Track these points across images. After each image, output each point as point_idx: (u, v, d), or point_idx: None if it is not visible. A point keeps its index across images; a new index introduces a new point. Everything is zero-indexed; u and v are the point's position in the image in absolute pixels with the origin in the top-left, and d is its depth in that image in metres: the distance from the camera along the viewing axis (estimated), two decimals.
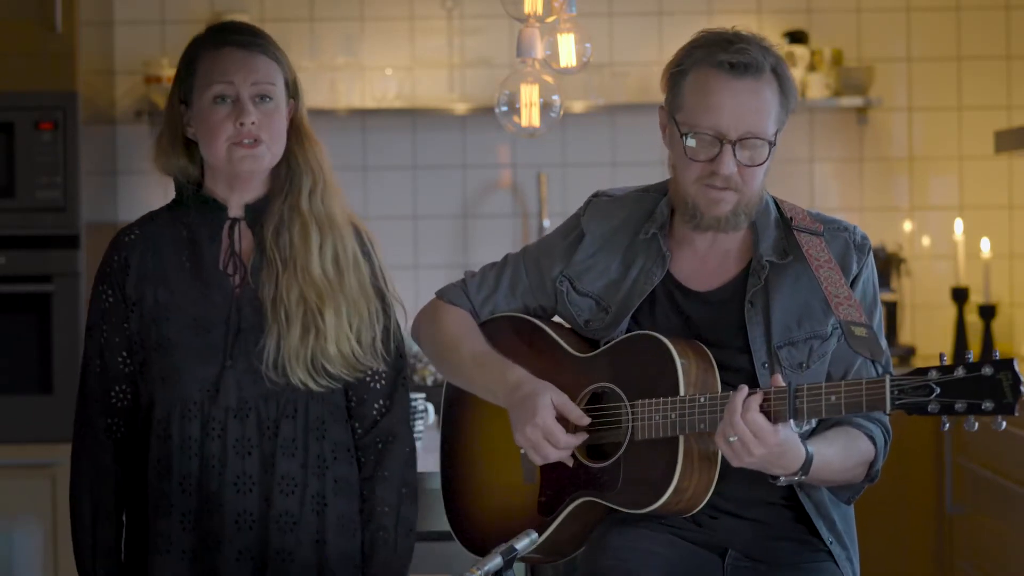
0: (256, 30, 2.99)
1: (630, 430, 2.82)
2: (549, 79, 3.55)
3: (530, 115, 3.53)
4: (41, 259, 5.11)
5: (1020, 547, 4.62)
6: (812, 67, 5.64)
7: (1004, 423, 2.53)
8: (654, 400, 2.78)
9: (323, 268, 2.93)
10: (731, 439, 2.66)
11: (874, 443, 2.83)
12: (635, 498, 2.80)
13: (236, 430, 2.91)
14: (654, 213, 2.95)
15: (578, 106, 5.47)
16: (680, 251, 2.92)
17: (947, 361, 2.56)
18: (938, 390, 2.54)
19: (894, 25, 5.75)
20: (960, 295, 5.54)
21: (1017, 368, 2.50)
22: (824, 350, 2.84)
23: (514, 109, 3.53)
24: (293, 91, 2.97)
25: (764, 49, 2.82)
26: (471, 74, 5.73)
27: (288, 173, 2.96)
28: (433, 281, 5.53)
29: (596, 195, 3.05)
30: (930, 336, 5.68)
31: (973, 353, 2.56)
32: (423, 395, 3.85)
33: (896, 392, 2.57)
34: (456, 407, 3.13)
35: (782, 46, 5.66)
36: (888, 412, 2.60)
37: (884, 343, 2.87)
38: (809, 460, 2.70)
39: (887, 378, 2.58)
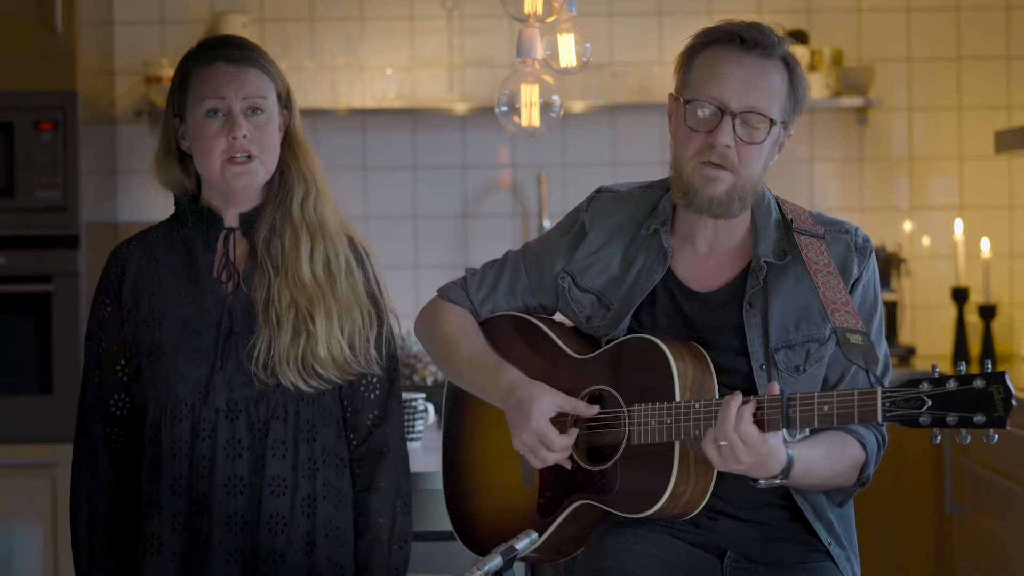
0: (247, 43, 3.02)
1: (627, 434, 2.82)
2: (549, 79, 3.55)
3: (530, 115, 3.53)
4: (41, 259, 5.11)
5: (1020, 547, 4.62)
6: (812, 67, 5.63)
7: (996, 436, 2.53)
8: (650, 405, 2.78)
9: (313, 273, 2.96)
10: (721, 443, 2.66)
11: (865, 448, 2.82)
12: (632, 503, 2.80)
13: (226, 431, 2.92)
14: (657, 208, 2.95)
15: (578, 106, 5.47)
16: (682, 249, 2.92)
17: (940, 371, 2.55)
18: (929, 402, 2.53)
19: (894, 25, 5.75)
20: (960, 295, 5.54)
21: (1009, 381, 2.50)
22: (821, 354, 2.84)
23: (514, 109, 3.53)
24: (286, 102, 3.01)
25: (779, 39, 2.82)
26: (471, 74, 5.73)
27: (281, 182, 3.00)
28: (433, 281, 5.53)
29: (600, 190, 3.04)
30: (930, 336, 5.68)
31: (968, 360, 2.55)
32: (423, 395, 3.85)
33: (887, 404, 2.56)
34: (457, 407, 3.13)
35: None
36: (880, 424, 2.61)
37: (884, 346, 2.87)
38: (789, 464, 2.70)
39: (879, 390, 2.58)
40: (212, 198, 3.00)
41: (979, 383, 2.50)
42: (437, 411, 4.04)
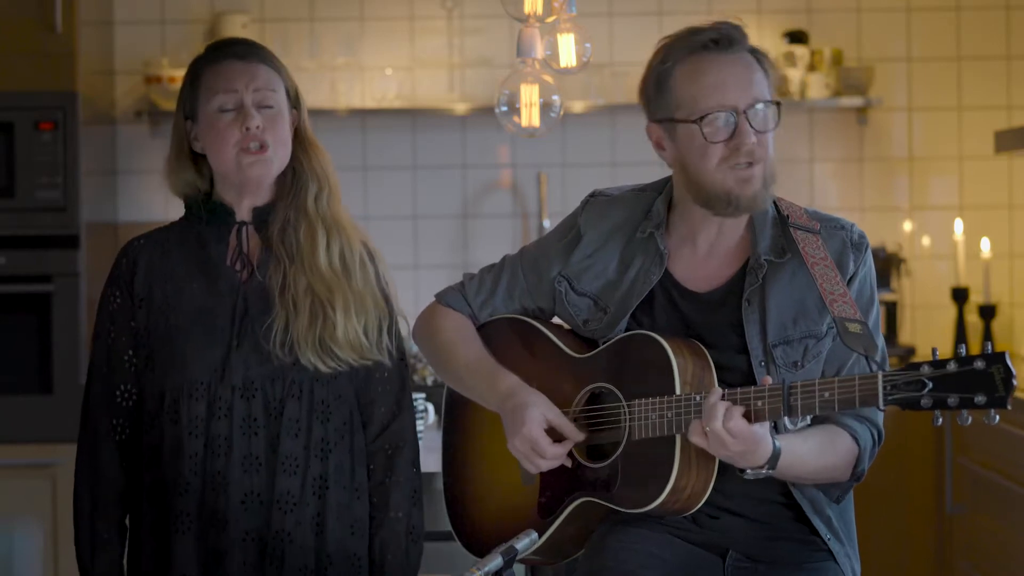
0: (255, 43, 3.07)
1: (627, 430, 2.82)
2: (549, 79, 3.55)
3: (530, 115, 3.53)
4: (41, 259, 5.11)
5: (1020, 547, 4.62)
6: (812, 67, 5.64)
7: (997, 417, 2.53)
8: (650, 400, 2.78)
9: (330, 263, 3.00)
10: (707, 428, 2.67)
11: (857, 442, 2.82)
12: (633, 498, 2.80)
13: (242, 410, 2.95)
14: (651, 212, 2.95)
15: (578, 106, 5.47)
16: (680, 250, 2.92)
17: (940, 356, 2.55)
18: (931, 385, 2.53)
19: (894, 25, 5.75)
20: (960, 295, 5.54)
21: (1009, 361, 2.50)
22: (819, 349, 2.84)
23: (514, 109, 3.53)
24: (295, 102, 3.05)
25: (735, 28, 2.83)
26: (471, 74, 5.73)
27: (294, 179, 3.03)
28: (433, 281, 5.54)
29: (593, 194, 3.05)
30: (930, 336, 5.68)
31: (967, 348, 2.55)
32: (423, 395, 3.85)
33: (889, 387, 2.56)
34: (457, 409, 3.14)
35: (782, 46, 5.68)
36: (882, 408, 2.60)
37: (881, 341, 2.87)
38: (776, 455, 2.70)
39: (880, 374, 2.58)
40: (225, 194, 3.02)
41: (980, 364, 2.50)
42: (437, 411, 4.04)
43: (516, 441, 2.87)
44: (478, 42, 5.72)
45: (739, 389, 2.70)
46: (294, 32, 5.69)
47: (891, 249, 5.62)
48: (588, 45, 3.59)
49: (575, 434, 2.87)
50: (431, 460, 3.40)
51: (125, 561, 3.02)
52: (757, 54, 2.84)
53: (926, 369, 2.54)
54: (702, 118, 2.79)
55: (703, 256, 2.91)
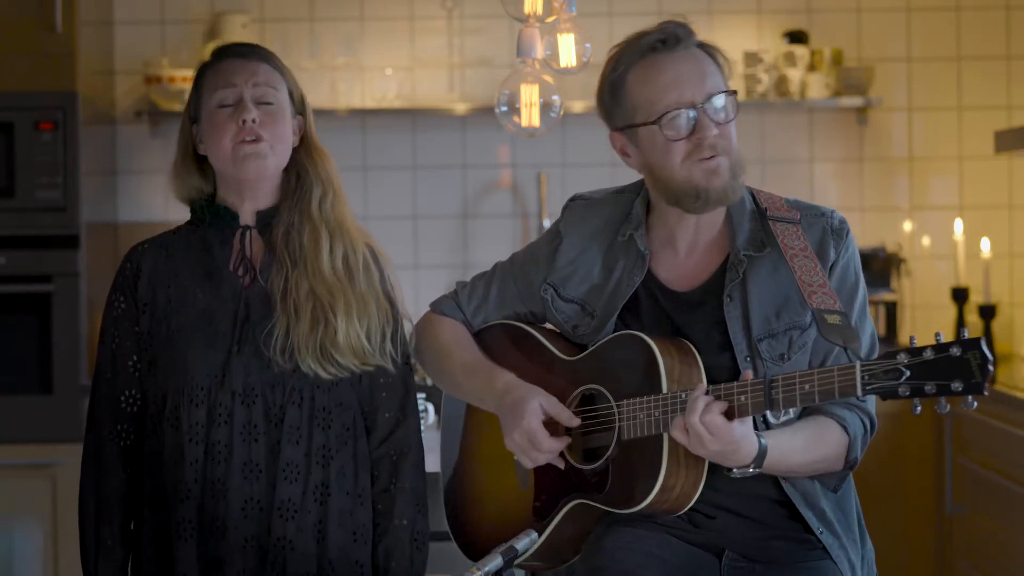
0: (258, 45, 3.09)
1: (617, 430, 2.82)
2: (549, 79, 3.55)
3: (530, 115, 3.53)
4: (41, 259, 5.11)
5: (1020, 547, 4.62)
6: (812, 67, 5.64)
7: (975, 403, 2.52)
8: (638, 399, 2.79)
9: (333, 267, 3.00)
10: (687, 423, 2.67)
11: (847, 431, 2.81)
12: (623, 498, 2.80)
13: (242, 416, 2.94)
14: (631, 214, 2.95)
15: (578, 106, 5.48)
16: (662, 251, 2.92)
17: (917, 344, 2.56)
18: (908, 373, 2.53)
19: (894, 25, 5.75)
20: (960, 295, 5.54)
21: (985, 347, 2.50)
22: (804, 340, 2.83)
23: (514, 109, 3.53)
24: (300, 107, 3.05)
25: (681, 26, 2.85)
26: (471, 74, 5.73)
27: (298, 183, 3.03)
28: (433, 281, 5.55)
29: (573, 199, 3.07)
30: (930, 336, 5.65)
31: (941, 335, 2.55)
32: (423, 395, 3.85)
33: (867, 377, 2.56)
34: (456, 414, 3.15)
35: (782, 46, 5.68)
36: (860, 397, 2.60)
37: (870, 326, 2.87)
38: (762, 453, 2.70)
39: (858, 364, 2.57)
40: (228, 196, 3.02)
41: (955, 350, 2.50)
42: (437, 411, 4.04)
43: (515, 434, 2.87)
44: (478, 42, 5.72)
45: (723, 385, 2.70)
46: (294, 32, 5.69)
47: (891, 249, 5.62)
48: (588, 45, 3.59)
49: (570, 420, 2.87)
50: (431, 460, 3.40)
51: (129, 567, 3.02)
52: (707, 48, 2.86)
53: (903, 357, 2.53)
54: (660, 118, 2.80)
55: (684, 255, 2.91)
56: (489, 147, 5.74)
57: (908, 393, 2.53)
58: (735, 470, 2.72)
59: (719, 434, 2.66)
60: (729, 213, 2.89)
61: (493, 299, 3.08)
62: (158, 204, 5.49)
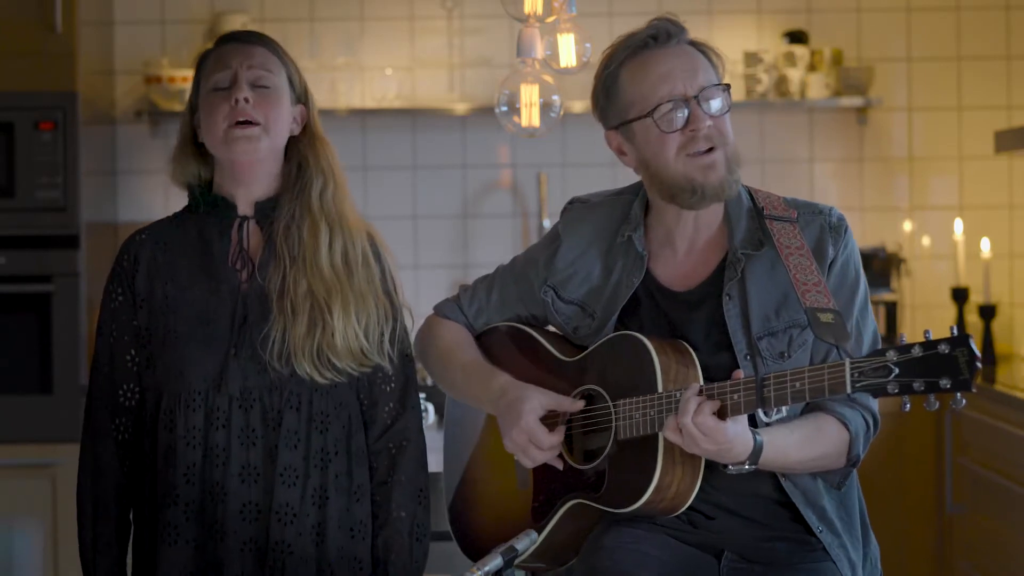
0: (259, 32, 3.07)
1: (614, 430, 2.82)
2: (549, 79, 3.55)
3: (530, 115, 3.53)
4: (41, 259, 5.11)
5: (1020, 547, 4.62)
6: (812, 67, 5.64)
7: (964, 400, 2.52)
8: (634, 399, 2.79)
9: (332, 263, 2.97)
10: (680, 424, 2.68)
11: (848, 428, 2.81)
12: (619, 498, 2.80)
13: (240, 420, 2.92)
14: (629, 215, 2.96)
15: (578, 106, 5.47)
16: (661, 251, 2.93)
17: (905, 340, 2.56)
18: (896, 370, 2.53)
19: (894, 25, 5.75)
20: (960, 295, 5.54)
21: (973, 344, 2.50)
22: (804, 338, 2.84)
23: (514, 109, 3.53)
24: (302, 96, 3.04)
25: (671, 22, 2.86)
26: (471, 74, 5.73)
27: (299, 174, 3.01)
28: (433, 281, 5.55)
29: (572, 202, 3.08)
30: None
31: (932, 333, 2.56)
32: (423, 395, 3.85)
33: (856, 375, 2.57)
34: (458, 415, 3.16)
35: (782, 46, 5.68)
36: (850, 394, 2.61)
37: (871, 323, 2.87)
38: (757, 450, 2.71)
39: (847, 361, 2.58)
40: (224, 183, 3.00)
41: (944, 348, 2.51)
42: (437, 411, 4.04)
43: (513, 433, 2.87)
44: (478, 42, 5.72)
45: (716, 384, 2.70)
46: (294, 32, 5.69)
47: (891, 249, 5.62)
48: (588, 45, 3.59)
49: (572, 404, 2.87)
50: (431, 461, 3.40)
51: (129, 562, 3.02)
52: (699, 45, 2.88)
53: (892, 355, 2.54)
54: (654, 111, 2.81)
55: (683, 255, 2.92)
56: (489, 147, 5.74)
57: (897, 390, 2.53)
58: (730, 466, 2.73)
59: (712, 434, 2.66)
60: (727, 212, 2.90)
61: (494, 302, 3.09)
62: (158, 204, 5.49)
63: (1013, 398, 4.66)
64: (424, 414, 3.83)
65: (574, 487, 2.88)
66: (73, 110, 5.12)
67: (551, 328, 3.07)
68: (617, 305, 2.91)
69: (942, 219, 5.73)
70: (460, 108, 5.62)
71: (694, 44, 2.88)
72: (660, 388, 2.76)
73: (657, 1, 5.59)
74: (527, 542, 2.61)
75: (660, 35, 2.85)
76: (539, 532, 2.89)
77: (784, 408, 2.72)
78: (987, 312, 5.48)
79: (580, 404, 2.88)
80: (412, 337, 3.12)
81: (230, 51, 2.98)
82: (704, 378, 2.79)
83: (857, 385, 2.56)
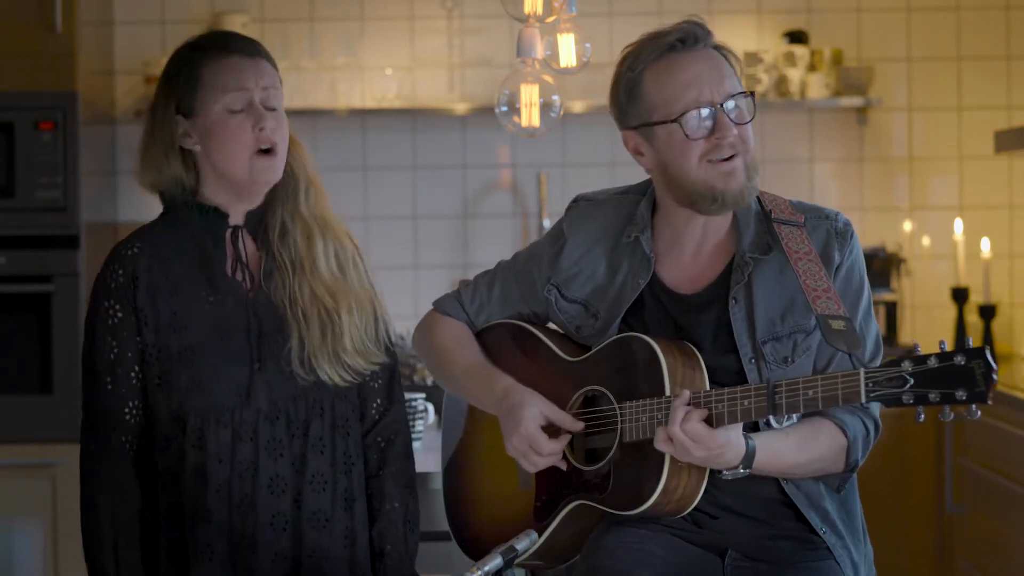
0: (252, 39, 2.99)
1: (619, 432, 2.82)
2: (549, 79, 3.55)
3: (530, 115, 3.53)
4: (41, 259, 5.11)
5: (1020, 547, 4.62)
6: (812, 67, 5.64)
7: (979, 412, 2.53)
8: (640, 401, 2.79)
9: (329, 266, 2.96)
10: (669, 432, 2.67)
11: (846, 433, 2.81)
12: (625, 500, 2.80)
13: (267, 433, 2.90)
14: (635, 216, 2.95)
15: (578, 106, 5.48)
16: (668, 253, 2.92)
17: (921, 351, 2.55)
18: (912, 381, 2.53)
19: (894, 25, 5.75)
20: (960, 295, 5.54)
21: (990, 356, 2.50)
22: (808, 344, 2.83)
23: (514, 109, 3.53)
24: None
25: (699, 26, 2.85)
26: (471, 74, 5.73)
27: (284, 179, 2.96)
28: (433, 281, 5.55)
29: (577, 200, 3.06)
30: (930, 336, 5.67)
31: (947, 343, 2.56)
32: (423, 395, 3.85)
33: (871, 384, 2.56)
34: (457, 414, 3.15)
35: (782, 46, 5.68)
36: (864, 404, 2.60)
37: (875, 328, 2.87)
38: (750, 455, 2.71)
39: (861, 371, 2.58)
40: (218, 195, 2.94)
41: (960, 359, 2.51)
42: (437, 411, 4.04)
43: (514, 439, 2.87)
44: (478, 42, 5.72)
45: (726, 389, 2.70)
46: (294, 32, 5.69)
47: (891, 249, 5.62)
48: (588, 45, 3.59)
49: (574, 424, 2.87)
50: (431, 460, 3.40)
51: None
52: (721, 49, 2.87)
53: (907, 365, 2.54)
54: (680, 116, 2.79)
55: (690, 257, 2.91)
56: (489, 147, 5.74)
57: (912, 401, 2.53)
58: (725, 472, 2.73)
59: (702, 441, 2.66)
60: (735, 215, 2.89)
61: (496, 299, 3.07)
62: (158, 204, 5.47)
63: (1013, 398, 4.66)
64: (424, 414, 3.83)
65: (577, 488, 2.88)
66: (73, 110, 5.12)
67: (552, 326, 3.06)
68: (622, 306, 2.90)
69: (942, 219, 5.73)
70: (460, 108, 5.62)
71: (718, 48, 2.86)
72: (668, 391, 2.76)
73: (657, 1, 5.59)
74: (527, 542, 2.61)
75: (688, 39, 2.82)
76: (541, 532, 2.89)
77: (796, 416, 2.72)
78: (987, 312, 5.48)
79: (580, 425, 2.87)
80: (408, 326, 3.10)
81: (241, 67, 2.88)
82: (711, 381, 2.79)
83: (872, 395, 2.56)
